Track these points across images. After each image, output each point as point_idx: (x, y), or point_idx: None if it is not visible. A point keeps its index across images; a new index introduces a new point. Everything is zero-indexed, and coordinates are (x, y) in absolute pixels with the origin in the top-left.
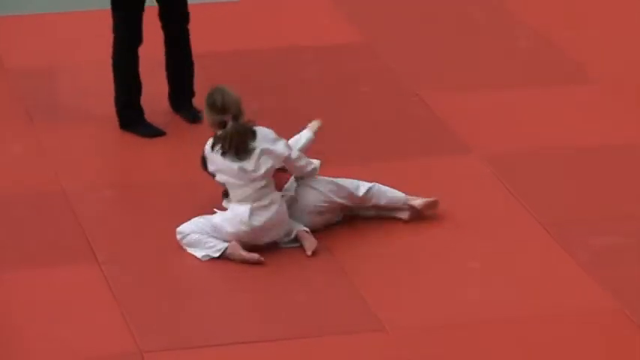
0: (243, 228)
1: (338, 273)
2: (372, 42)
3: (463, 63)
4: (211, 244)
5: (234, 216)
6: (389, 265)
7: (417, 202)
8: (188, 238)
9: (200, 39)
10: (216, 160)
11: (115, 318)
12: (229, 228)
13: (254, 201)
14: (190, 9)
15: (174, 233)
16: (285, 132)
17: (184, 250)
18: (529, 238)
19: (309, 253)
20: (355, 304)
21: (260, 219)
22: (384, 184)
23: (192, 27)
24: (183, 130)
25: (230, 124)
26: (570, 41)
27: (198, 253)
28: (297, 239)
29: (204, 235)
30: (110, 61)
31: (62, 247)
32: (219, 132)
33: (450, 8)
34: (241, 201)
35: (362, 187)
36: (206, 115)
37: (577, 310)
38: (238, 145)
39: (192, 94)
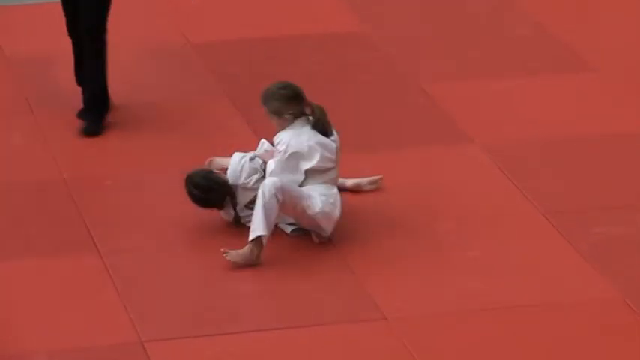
0: (335, 210)
1: (339, 262)
2: (373, 31)
3: (463, 52)
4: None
5: (328, 196)
6: (389, 254)
7: None
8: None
9: (201, 28)
10: (322, 141)
11: (116, 308)
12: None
13: (335, 185)
14: None
15: (175, 223)
16: None
17: (185, 240)
18: (529, 227)
19: (317, 240)
20: (356, 293)
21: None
22: (384, 174)
23: (193, 16)
24: (184, 120)
25: (313, 105)
26: (569, 30)
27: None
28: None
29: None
30: (109, 49)
31: (63, 237)
32: (310, 117)
33: None
34: (328, 183)
35: None
36: (281, 108)
37: (577, 300)
38: (327, 123)
39: (101, 106)
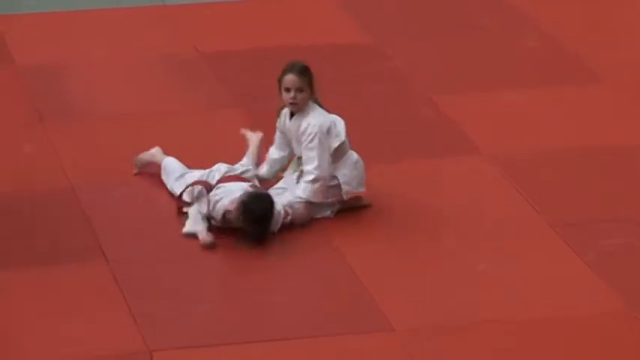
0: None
1: (346, 272)
2: (383, 43)
3: (473, 64)
4: None
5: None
6: (397, 265)
7: None
8: None
9: (211, 38)
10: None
11: (123, 317)
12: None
13: None
14: (201, 8)
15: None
16: None
17: (194, 249)
18: (538, 239)
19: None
20: (364, 304)
21: None
22: (391, 185)
23: (203, 26)
24: (194, 129)
25: None
26: (578, 42)
27: None
28: None
29: None
30: (120, 59)
31: (72, 246)
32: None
33: (460, 10)
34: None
35: None
36: (313, 81)
37: (586, 312)
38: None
39: None
